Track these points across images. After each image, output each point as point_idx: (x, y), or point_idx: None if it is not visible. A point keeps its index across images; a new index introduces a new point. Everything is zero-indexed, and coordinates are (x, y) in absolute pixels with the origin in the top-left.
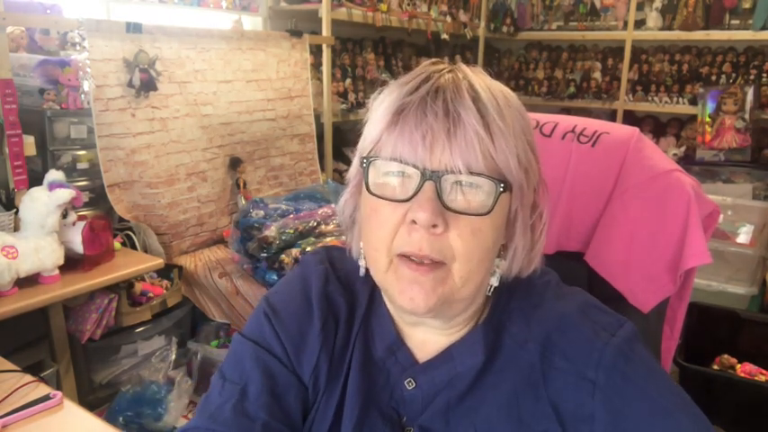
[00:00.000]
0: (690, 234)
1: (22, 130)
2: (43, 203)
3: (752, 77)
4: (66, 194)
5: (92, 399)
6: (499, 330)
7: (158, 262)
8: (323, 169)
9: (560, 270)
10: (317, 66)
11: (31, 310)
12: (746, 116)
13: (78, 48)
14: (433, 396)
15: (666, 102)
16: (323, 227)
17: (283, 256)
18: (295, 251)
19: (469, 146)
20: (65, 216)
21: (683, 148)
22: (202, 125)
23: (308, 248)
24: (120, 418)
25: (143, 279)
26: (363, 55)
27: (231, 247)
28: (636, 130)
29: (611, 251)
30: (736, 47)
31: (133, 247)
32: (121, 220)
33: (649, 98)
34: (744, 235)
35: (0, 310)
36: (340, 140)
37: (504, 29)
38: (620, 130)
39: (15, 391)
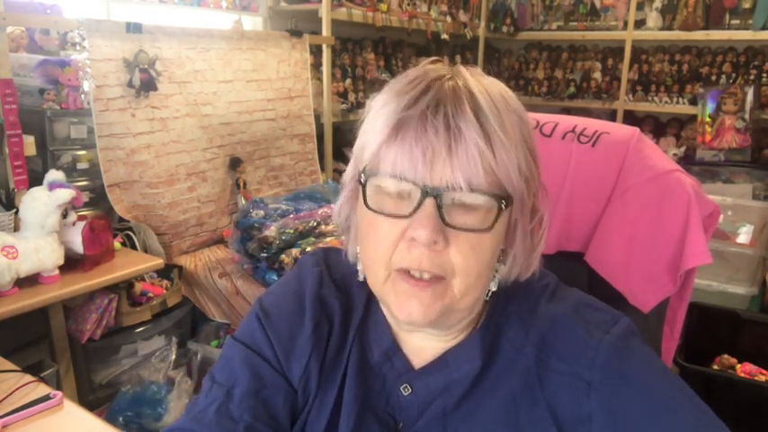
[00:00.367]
0: (690, 234)
1: (22, 130)
2: (43, 203)
3: (752, 77)
4: (66, 194)
5: (92, 399)
6: (497, 335)
7: (158, 262)
8: (323, 169)
9: (560, 270)
10: (317, 66)
11: (31, 310)
12: (746, 116)
13: (78, 48)
14: (430, 402)
15: (666, 102)
16: (323, 227)
17: (283, 256)
18: (295, 251)
19: (471, 162)
20: (65, 216)
21: (683, 148)
22: (202, 125)
23: (308, 248)
24: (120, 418)
25: (143, 279)
26: (363, 55)
27: (231, 247)
28: (636, 130)
29: (612, 251)
30: (736, 47)
31: (133, 247)
32: (121, 220)
33: (649, 98)
34: (744, 235)
35: (0, 310)
36: (340, 140)
37: (504, 29)
38: (620, 130)
39: (15, 391)
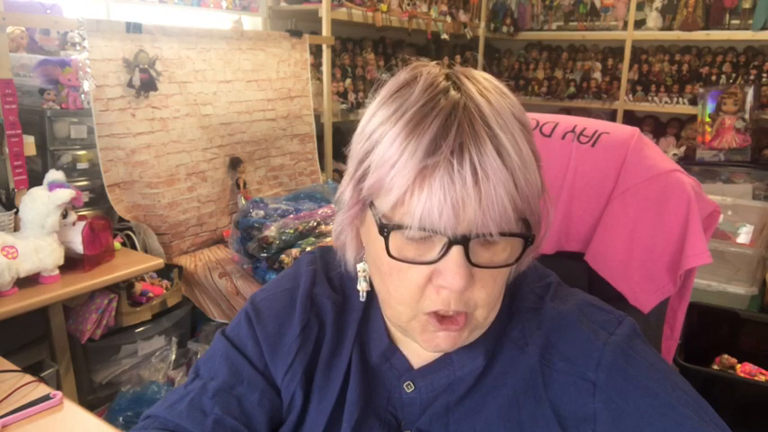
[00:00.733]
0: (690, 234)
1: (22, 130)
2: (43, 203)
3: (752, 77)
4: (66, 194)
5: (92, 399)
6: (500, 335)
7: (158, 262)
8: (323, 169)
9: (560, 270)
10: (317, 66)
11: (31, 310)
12: (746, 116)
13: (78, 48)
14: (432, 400)
15: (666, 102)
16: (323, 227)
17: (283, 256)
18: (295, 251)
19: (501, 208)
20: (65, 216)
21: (683, 149)
22: (202, 125)
23: (308, 248)
24: (120, 418)
25: (143, 279)
26: (363, 55)
27: (231, 247)
28: (636, 130)
29: (612, 251)
30: (736, 47)
31: (133, 247)
32: (121, 220)
33: (649, 98)
34: (744, 235)
35: (0, 310)
36: (340, 140)
37: (504, 29)
38: (620, 130)
39: (15, 391)
